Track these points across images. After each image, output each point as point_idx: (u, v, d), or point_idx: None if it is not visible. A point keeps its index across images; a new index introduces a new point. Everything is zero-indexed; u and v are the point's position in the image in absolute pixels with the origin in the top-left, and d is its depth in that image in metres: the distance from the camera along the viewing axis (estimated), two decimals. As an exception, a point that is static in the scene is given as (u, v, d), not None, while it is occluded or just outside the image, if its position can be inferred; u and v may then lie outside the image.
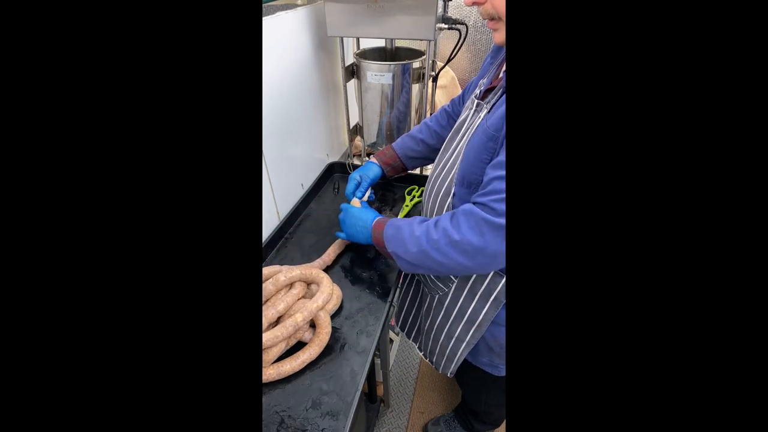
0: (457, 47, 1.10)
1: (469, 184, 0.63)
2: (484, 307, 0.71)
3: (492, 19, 0.55)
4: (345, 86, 1.17)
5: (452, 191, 0.66)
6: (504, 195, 0.52)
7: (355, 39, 1.20)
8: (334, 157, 1.32)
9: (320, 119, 1.19)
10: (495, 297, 0.69)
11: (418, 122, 1.19)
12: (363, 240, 0.77)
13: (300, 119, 1.05)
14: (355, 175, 0.95)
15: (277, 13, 0.88)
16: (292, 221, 1.00)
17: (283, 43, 0.91)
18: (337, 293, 0.75)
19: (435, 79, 1.21)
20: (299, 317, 0.65)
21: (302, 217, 1.03)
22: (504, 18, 0.54)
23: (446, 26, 0.98)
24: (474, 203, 0.58)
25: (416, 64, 1.08)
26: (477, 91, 0.70)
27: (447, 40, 1.48)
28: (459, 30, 1.01)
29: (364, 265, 0.87)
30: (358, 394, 0.62)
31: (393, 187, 1.14)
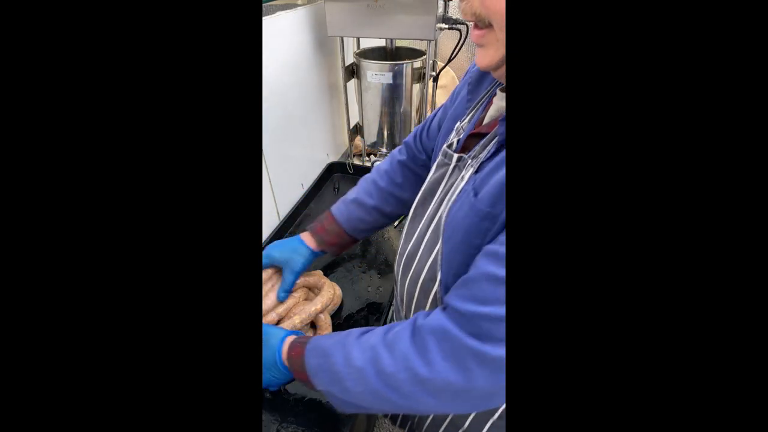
0: (458, 47, 1.10)
1: (456, 276, 0.41)
2: (484, 427, 0.52)
3: (478, 25, 0.36)
4: (345, 86, 1.17)
5: (437, 277, 0.45)
6: (503, 309, 0.33)
7: (355, 39, 1.20)
8: (334, 157, 1.32)
9: (320, 119, 1.19)
10: (499, 415, 0.50)
11: (419, 122, 1.19)
12: (282, 382, 0.51)
13: (300, 119, 1.05)
14: (268, 260, 0.69)
15: (277, 13, 0.88)
16: (292, 221, 1.00)
17: (283, 43, 0.91)
18: (337, 293, 0.75)
19: (435, 79, 1.21)
20: (297, 320, 0.65)
21: (302, 217, 1.04)
22: (497, 26, 0.33)
23: (447, 26, 0.98)
24: (447, 307, 0.38)
25: (417, 64, 1.08)
26: (454, 140, 0.48)
27: (447, 40, 1.48)
28: (459, 30, 1.01)
29: (364, 264, 0.87)
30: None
31: (393, 187, 1.14)
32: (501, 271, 0.34)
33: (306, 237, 0.71)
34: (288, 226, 0.98)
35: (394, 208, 0.69)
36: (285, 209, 1.02)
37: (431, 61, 1.07)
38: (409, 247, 0.52)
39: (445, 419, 0.56)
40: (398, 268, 0.55)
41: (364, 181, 0.71)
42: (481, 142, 0.42)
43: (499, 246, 0.35)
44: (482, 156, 0.41)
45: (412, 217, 0.53)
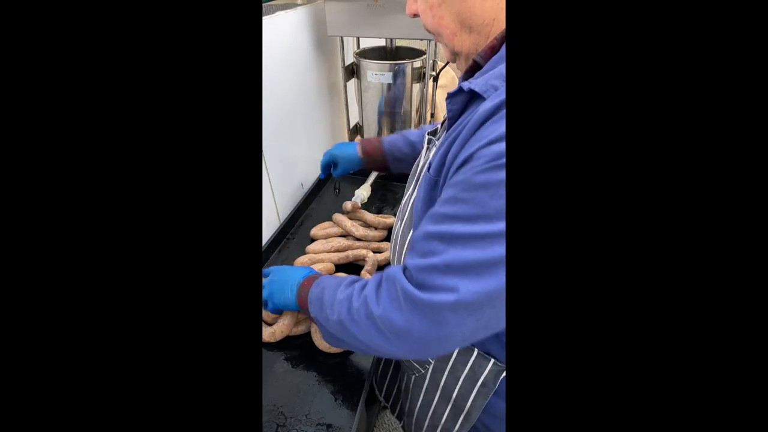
0: (458, 46, 1.09)
1: None
2: (471, 392, 0.57)
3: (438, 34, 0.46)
4: (345, 86, 1.17)
5: None
6: (434, 260, 0.38)
7: (355, 38, 1.20)
8: (335, 157, 1.32)
9: (320, 119, 1.18)
10: (482, 382, 0.55)
11: (419, 122, 1.19)
12: (294, 305, 0.60)
13: (300, 119, 1.05)
14: (330, 155, 0.88)
15: (277, 13, 0.88)
16: (293, 222, 1.00)
17: (283, 42, 0.91)
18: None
19: (435, 79, 1.21)
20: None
21: (303, 217, 1.03)
22: (436, 34, 0.45)
23: (446, 26, 0.97)
24: (404, 267, 0.44)
25: (417, 64, 1.08)
26: (437, 127, 0.58)
27: (447, 39, 1.48)
28: (459, 29, 1.01)
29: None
30: (365, 393, 0.62)
31: (394, 187, 1.14)
32: (432, 227, 0.40)
33: (357, 141, 0.90)
34: (290, 227, 0.98)
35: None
36: (285, 209, 1.01)
37: (431, 61, 1.07)
38: (395, 228, 0.60)
39: (436, 392, 0.62)
40: (391, 243, 0.63)
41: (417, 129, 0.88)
42: (444, 125, 0.50)
43: (434, 206, 0.42)
44: (443, 136, 0.48)
45: (402, 201, 0.60)
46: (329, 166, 0.91)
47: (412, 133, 0.86)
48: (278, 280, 0.62)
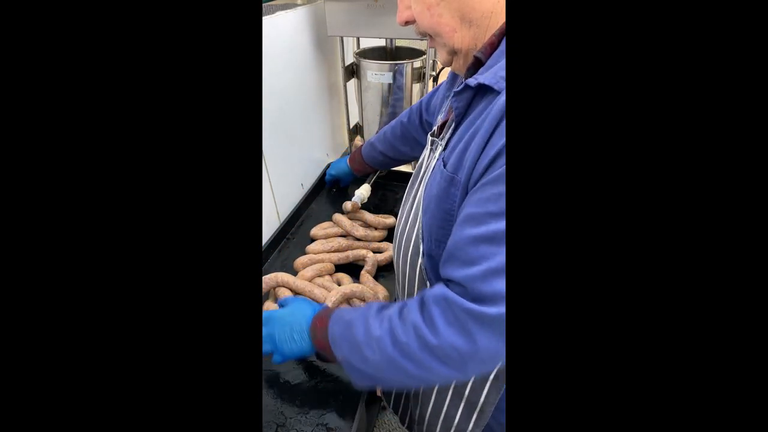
0: (458, 47, 1.09)
1: (438, 242, 0.48)
2: (484, 388, 0.55)
3: (431, 37, 0.46)
4: (345, 86, 1.17)
5: (420, 250, 0.51)
6: (492, 264, 0.36)
7: (355, 38, 1.20)
8: (334, 157, 1.32)
9: (320, 119, 1.18)
10: (495, 376, 0.53)
11: (419, 122, 1.18)
12: (306, 351, 0.54)
13: (300, 119, 1.05)
14: (329, 175, 1.05)
15: (277, 13, 0.87)
16: (293, 222, 1.00)
17: (283, 42, 0.91)
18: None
19: (435, 79, 1.21)
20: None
21: (303, 217, 1.03)
22: (434, 35, 0.45)
23: (446, 26, 0.97)
24: (447, 281, 0.41)
25: (417, 64, 1.08)
26: (435, 128, 0.56)
27: (447, 39, 1.48)
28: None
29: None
30: (365, 394, 0.61)
31: (394, 187, 1.14)
32: (476, 230, 0.37)
33: (348, 159, 1.03)
34: (289, 227, 0.98)
35: (395, 155, 0.92)
36: (285, 209, 1.01)
37: (431, 61, 1.07)
38: (400, 227, 0.57)
39: (449, 391, 0.59)
40: (395, 245, 0.60)
41: (384, 128, 0.94)
42: (447, 124, 0.50)
43: (469, 209, 0.39)
44: (448, 135, 0.47)
45: (404, 200, 0.59)
46: (333, 183, 1.08)
47: (375, 137, 0.95)
48: (281, 328, 0.55)
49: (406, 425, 0.77)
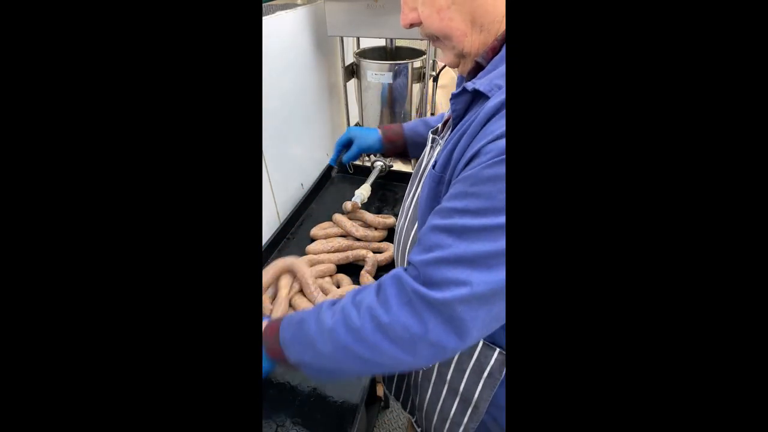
0: (458, 47, 1.09)
1: None
2: (478, 384, 0.56)
3: (436, 39, 0.46)
4: (345, 86, 1.17)
5: None
6: (445, 254, 0.37)
7: (355, 38, 1.20)
8: (335, 157, 1.32)
9: (320, 119, 1.18)
10: (489, 373, 0.54)
11: (419, 122, 1.18)
12: (265, 367, 0.51)
13: (300, 119, 1.05)
14: (348, 134, 0.87)
15: (277, 13, 0.88)
16: (293, 222, 1.00)
17: (283, 42, 0.91)
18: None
19: (435, 79, 1.21)
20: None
21: (303, 217, 1.03)
22: (441, 37, 0.44)
23: (446, 26, 0.97)
24: (407, 265, 0.42)
25: (417, 64, 1.08)
26: (438, 126, 0.58)
27: (447, 39, 1.48)
28: (459, 29, 1.01)
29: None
30: (365, 394, 0.61)
31: (393, 187, 1.14)
32: (440, 221, 0.39)
33: (378, 128, 0.89)
34: (290, 227, 0.98)
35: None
36: (285, 209, 1.01)
37: (431, 61, 1.07)
38: (400, 226, 0.59)
39: (444, 387, 0.61)
40: (395, 249, 0.62)
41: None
42: (447, 124, 0.50)
43: (442, 202, 0.41)
44: (447, 135, 0.48)
45: (404, 200, 0.60)
46: (344, 145, 0.90)
47: (432, 119, 0.85)
48: None
49: (408, 411, 0.79)
